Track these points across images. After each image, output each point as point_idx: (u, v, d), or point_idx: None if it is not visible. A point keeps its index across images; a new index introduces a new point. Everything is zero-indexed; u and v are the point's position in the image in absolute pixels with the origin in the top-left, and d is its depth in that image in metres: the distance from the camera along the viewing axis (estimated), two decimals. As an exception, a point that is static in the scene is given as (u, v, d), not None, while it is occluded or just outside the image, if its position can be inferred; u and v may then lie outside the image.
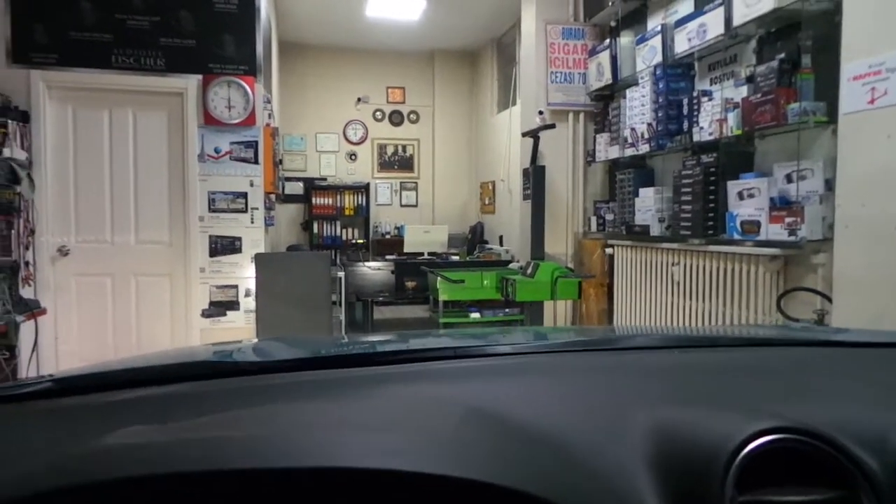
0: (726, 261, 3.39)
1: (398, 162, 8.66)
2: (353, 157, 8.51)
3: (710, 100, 3.55)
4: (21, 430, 0.54)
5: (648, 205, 4.06)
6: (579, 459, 0.49)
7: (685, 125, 3.76)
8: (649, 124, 4.00)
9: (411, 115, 8.62)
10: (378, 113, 8.53)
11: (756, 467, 0.47)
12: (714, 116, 3.45)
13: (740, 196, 3.26)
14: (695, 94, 3.69)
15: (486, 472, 0.46)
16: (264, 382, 0.61)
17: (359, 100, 8.43)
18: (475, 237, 8.02)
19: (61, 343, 3.95)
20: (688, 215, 3.62)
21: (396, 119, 8.60)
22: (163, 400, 0.58)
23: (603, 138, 4.66)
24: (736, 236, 3.27)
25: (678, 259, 3.79)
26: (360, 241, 8.03)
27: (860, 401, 0.60)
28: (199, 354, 0.91)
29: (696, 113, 3.65)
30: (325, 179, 8.31)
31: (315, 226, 8.12)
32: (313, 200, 8.06)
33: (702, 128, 3.55)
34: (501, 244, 7.28)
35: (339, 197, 8.14)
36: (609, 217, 4.72)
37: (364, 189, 8.18)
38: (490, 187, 8.01)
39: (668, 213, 3.90)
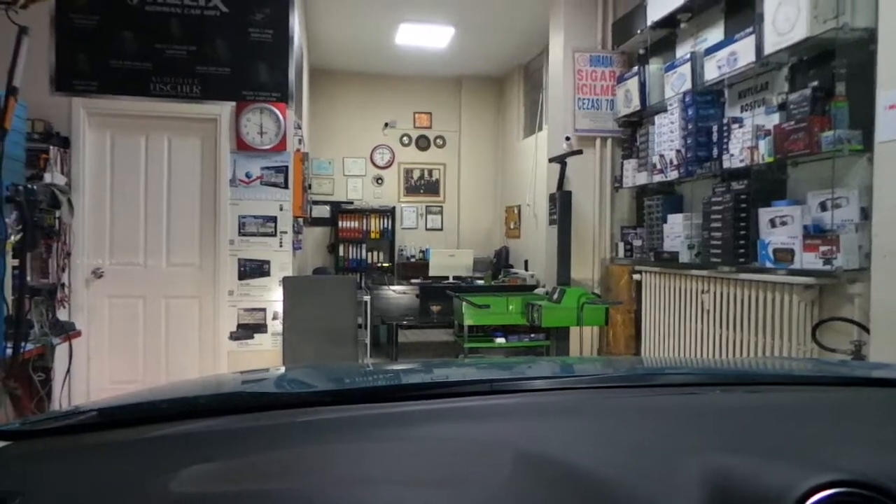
0: (758, 289, 3.33)
1: (424, 186, 8.72)
2: (379, 181, 8.60)
3: (740, 127, 3.53)
4: (69, 465, 0.54)
5: (677, 231, 4.02)
6: None
7: (715, 152, 3.73)
8: (678, 150, 3.98)
9: (438, 140, 8.70)
10: (405, 138, 8.63)
11: None
12: (745, 143, 3.42)
13: (772, 223, 3.21)
14: (725, 121, 3.67)
15: None
16: (297, 419, 0.61)
17: (386, 125, 8.54)
18: (500, 261, 8.00)
19: (93, 364, 4.02)
20: (718, 242, 3.57)
21: (423, 144, 8.68)
22: (202, 437, 0.58)
23: (630, 164, 4.64)
24: (768, 264, 3.21)
25: (708, 286, 3.74)
26: (386, 264, 8.07)
27: None
28: (227, 385, 0.90)
29: (726, 140, 3.62)
30: (351, 203, 8.40)
31: (341, 249, 8.18)
32: (340, 223, 8.14)
33: (732, 155, 3.51)
34: (526, 269, 7.26)
35: (365, 220, 8.20)
36: (637, 243, 4.68)
37: (390, 213, 8.24)
38: (515, 212, 8.01)
39: (697, 239, 3.85)
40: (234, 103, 4.11)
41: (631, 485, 0.51)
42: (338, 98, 8.37)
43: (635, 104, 4.53)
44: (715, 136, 3.74)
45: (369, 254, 8.25)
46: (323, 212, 8.36)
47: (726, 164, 3.55)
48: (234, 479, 0.52)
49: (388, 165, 8.61)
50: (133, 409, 0.66)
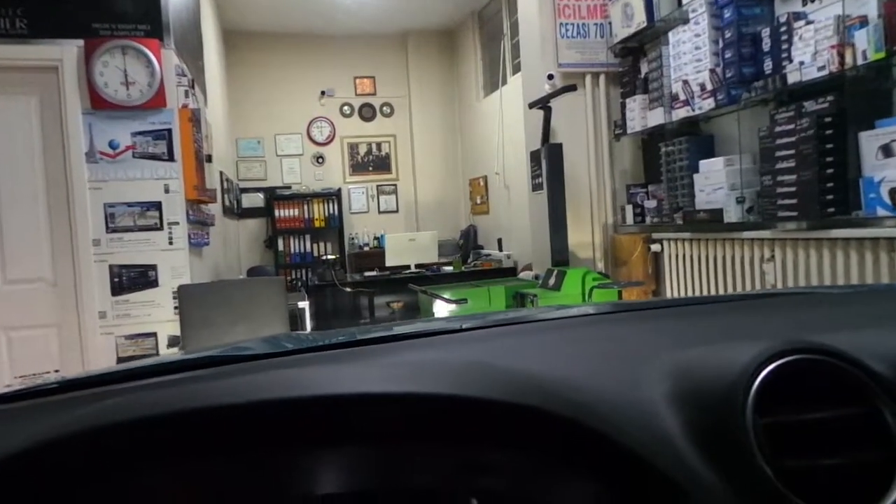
0: (862, 250, 2.30)
1: (373, 162, 7.52)
2: (320, 161, 7.36)
3: (808, 23, 2.48)
4: (26, 413, 0.52)
5: (717, 181, 2.97)
6: (599, 397, 0.47)
7: (768, 66, 2.69)
8: (712, 70, 2.92)
9: (384, 108, 7.50)
10: (346, 107, 7.40)
11: (775, 390, 0.45)
12: (824, 44, 2.37)
13: (886, 152, 2.17)
14: (783, 18, 2.61)
15: (511, 395, 0.45)
16: (272, 363, 0.57)
17: (323, 93, 7.29)
18: (468, 243, 6.90)
19: None
20: (790, 189, 2.53)
21: (367, 113, 7.47)
22: (170, 382, 0.54)
23: (636, 102, 3.56)
24: (881, 212, 2.18)
25: (772, 253, 2.70)
26: (334, 256, 6.83)
27: (877, 325, 0.58)
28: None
29: (786, 46, 2.58)
30: (289, 188, 7.16)
31: (280, 242, 6.95)
32: (276, 213, 6.91)
33: (802, 63, 2.47)
34: (501, 248, 6.17)
35: (306, 207, 6.99)
36: (650, 204, 3.63)
37: (335, 196, 7.04)
38: (481, 184, 6.91)
39: (752, 189, 2.81)
40: (81, 42, 2.84)
41: (596, 380, 0.49)
42: (262, 65, 7.06)
43: (639, 21, 3.45)
44: (767, 44, 2.69)
45: (314, 245, 7.05)
46: (255, 200, 7.10)
47: (793, 79, 2.50)
48: (203, 387, 0.47)
49: (329, 141, 7.37)
50: (96, 376, 0.58)
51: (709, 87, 2.94)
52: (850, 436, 0.45)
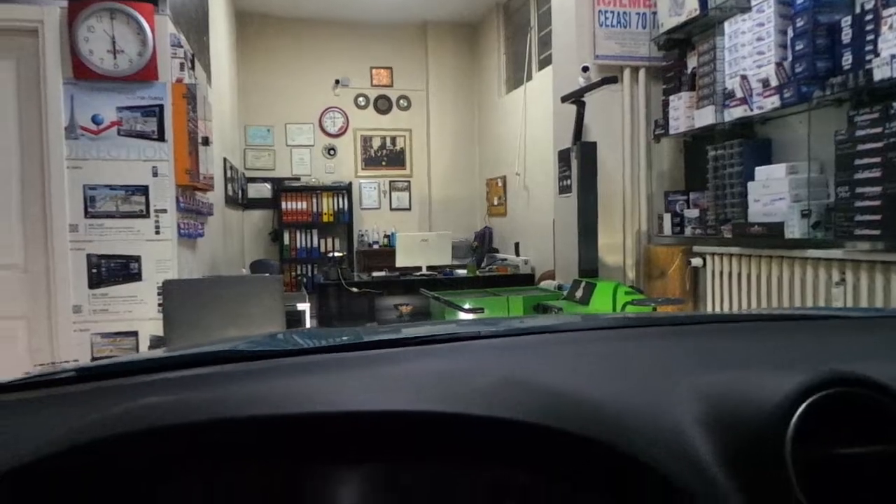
0: (961, 280, 1.94)
1: (386, 157, 7.20)
2: (331, 153, 7.04)
3: (900, 11, 2.13)
4: (44, 407, 0.52)
5: (777, 191, 2.61)
6: (631, 421, 0.46)
7: (847, 60, 2.33)
8: (779, 65, 2.56)
9: (401, 101, 7.17)
10: (361, 99, 7.08)
11: (816, 421, 0.43)
12: (922, 33, 2.02)
13: None
14: (867, 6, 2.25)
15: (544, 418, 0.44)
16: (290, 362, 0.57)
17: (337, 83, 6.98)
18: (483, 245, 6.56)
19: None
20: (873, 203, 2.17)
21: (383, 105, 7.15)
22: (185, 381, 0.55)
23: (681, 100, 3.21)
24: None
25: (843, 276, 2.34)
26: (342, 253, 6.51)
27: None
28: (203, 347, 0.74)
29: (871, 37, 2.22)
30: (298, 179, 6.86)
31: (286, 236, 6.64)
32: (284, 205, 6.60)
33: (893, 57, 2.11)
34: (518, 253, 5.82)
35: (315, 200, 6.68)
36: (691, 214, 3.28)
37: (346, 190, 6.73)
38: (499, 184, 6.56)
39: (820, 201, 2.45)
40: (65, 2, 2.52)
41: (628, 399, 0.48)
42: (275, 51, 6.76)
43: (691, 9, 3.10)
44: (847, 35, 2.33)
45: (322, 241, 6.73)
46: (262, 191, 6.80)
47: (881, 75, 2.15)
48: (215, 392, 0.50)
49: (342, 133, 7.05)
50: (112, 366, 0.61)
51: (773, 83, 2.59)
52: (890, 473, 0.43)
